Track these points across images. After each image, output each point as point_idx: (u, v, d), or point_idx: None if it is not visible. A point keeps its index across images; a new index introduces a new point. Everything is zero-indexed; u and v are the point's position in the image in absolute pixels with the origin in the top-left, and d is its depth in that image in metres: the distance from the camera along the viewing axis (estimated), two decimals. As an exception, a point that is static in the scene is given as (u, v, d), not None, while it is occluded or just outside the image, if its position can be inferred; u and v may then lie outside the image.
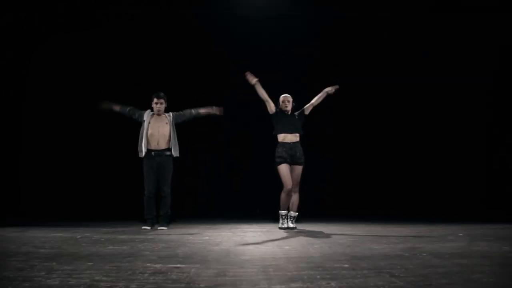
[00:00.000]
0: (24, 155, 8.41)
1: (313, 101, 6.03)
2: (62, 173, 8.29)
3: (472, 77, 8.41)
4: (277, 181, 5.81)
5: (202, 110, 6.08)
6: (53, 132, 8.31)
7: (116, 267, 2.80)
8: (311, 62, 8.66)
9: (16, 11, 7.97)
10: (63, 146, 8.34)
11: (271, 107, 5.88)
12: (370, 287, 2.26)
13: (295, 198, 5.80)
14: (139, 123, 5.90)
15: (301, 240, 4.45)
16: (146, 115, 5.88)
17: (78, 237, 4.62)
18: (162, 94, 5.87)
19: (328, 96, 6.10)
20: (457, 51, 8.45)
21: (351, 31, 8.65)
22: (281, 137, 5.82)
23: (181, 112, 5.98)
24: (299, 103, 5.98)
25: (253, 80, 5.85)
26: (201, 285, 2.32)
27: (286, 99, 5.91)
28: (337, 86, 6.10)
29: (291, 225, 5.78)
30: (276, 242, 4.22)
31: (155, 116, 5.88)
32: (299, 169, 5.80)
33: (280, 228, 5.79)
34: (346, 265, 2.84)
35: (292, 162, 5.76)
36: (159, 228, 5.77)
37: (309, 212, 6.99)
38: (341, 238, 4.54)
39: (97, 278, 2.47)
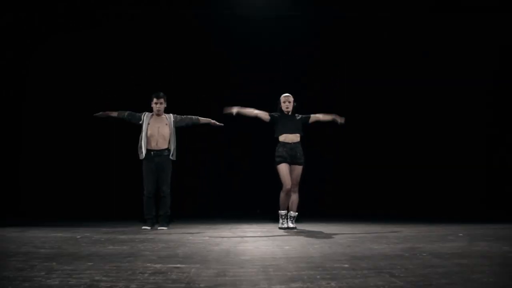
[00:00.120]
0: (24, 155, 8.41)
1: (321, 116, 6.01)
2: (62, 173, 8.29)
3: (472, 77, 8.41)
4: (277, 181, 5.80)
5: (203, 120, 6.06)
6: (53, 132, 8.32)
7: (116, 267, 2.80)
8: (311, 62, 8.67)
9: (16, 11, 7.97)
10: (63, 146, 8.35)
11: (264, 117, 5.88)
12: (370, 287, 2.26)
13: (294, 198, 5.80)
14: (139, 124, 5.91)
15: (301, 240, 4.45)
16: (145, 117, 5.88)
17: (78, 237, 4.62)
18: (161, 94, 5.87)
19: (333, 123, 6.05)
20: (457, 51, 8.45)
21: (351, 31, 8.65)
22: (282, 137, 5.81)
23: (183, 117, 5.97)
24: (299, 103, 5.97)
25: (233, 110, 5.83)
26: (201, 285, 2.32)
27: (287, 99, 5.90)
28: (344, 119, 6.06)
29: (291, 225, 5.77)
30: (276, 242, 4.22)
31: (154, 116, 5.88)
32: (299, 169, 5.80)
33: (280, 228, 5.78)
34: (346, 265, 2.84)
35: (292, 162, 5.76)
36: (159, 228, 5.77)
37: (309, 212, 6.99)
38: (341, 238, 4.54)
39: (97, 278, 2.47)
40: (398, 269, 2.70)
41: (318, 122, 6.04)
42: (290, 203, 5.80)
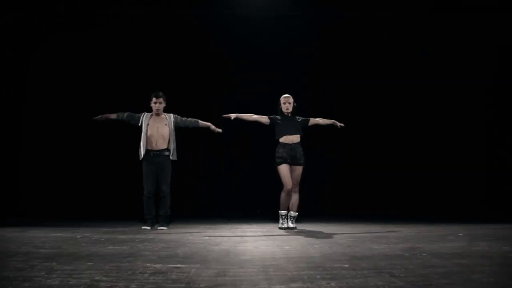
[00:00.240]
0: (24, 155, 8.41)
1: (320, 121, 6.04)
2: (62, 173, 8.29)
3: (472, 77, 8.41)
4: (277, 181, 5.81)
5: (202, 124, 6.04)
6: (53, 132, 8.31)
7: (116, 267, 2.80)
8: (311, 62, 8.66)
9: (16, 11, 7.97)
10: (63, 146, 8.34)
11: (264, 120, 5.90)
12: (370, 287, 2.26)
13: (295, 198, 5.80)
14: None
15: (301, 240, 4.45)
16: (144, 117, 5.88)
17: (78, 237, 4.62)
18: (161, 93, 5.87)
19: (333, 127, 6.08)
20: (457, 51, 8.45)
21: (351, 31, 8.65)
22: (283, 139, 5.81)
23: (183, 119, 5.96)
24: (299, 104, 5.97)
25: (232, 117, 5.85)
26: (201, 285, 2.32)
27: (287, 100, 5.89)
28: (343, 125, 6.07)
29: (291, 225, 5.78)
30: (276, 242, 4.22)
31: (154, 116, 5.88)
32: (299, 169, 5.80)
33: (280, 228, 5.79)
34: (346, 265, 2.84)
35: (292, 163, 5.76)
36: (159, 228, 5.77)
37: (309, 212, 6.99)
38: (341, 238, 4.54)
39: (97, 278, 2.47)
40: (398, 269, 2.70)
41: (317, 126, 6.05)
42: (290, 204, 5.80)
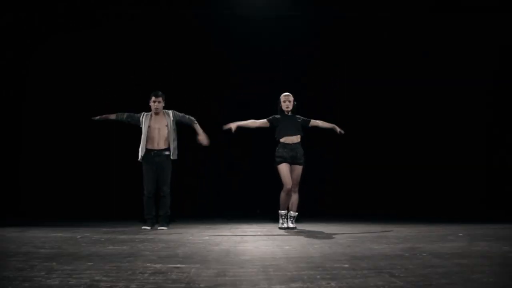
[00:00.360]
0: (24, 155, 8.40)
1: (320, 123, 6.03)
2: (62, 173, 8.28)
3: (472, 77, 8.40)
4: (277, 181, 5.81)
5: (196, 126, 6.00)
6: (53, 132, 8.31)
7: (116, 267, 2.80)
8: (311, 62, 8.66)
9: (16, 11, 7.97)
10: (63, 146, 8.34)
11: (264, 125, 5.89)
12: (370, 287, 2.26)
13: (295, 198, 5.80)
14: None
15: (301, 240, 4.45)
16: (144, 117, 5.88)
17: (78, 237, 4.62)
18: (160, 93, 5.88)
19: (332, 132, 6.07)
20: (457, 51, 8.44)
21: (351, 31, 8.64)
22: (283, 139, 5.81)
23: (181, 114, 5.96)
24: (299, 103, 5.97)
25: (231, 126, 5.84)
26: (201, 285, 2.32)
27: (287, 98, 5.89)
28: (343, 132, 6.06)
29: (291, 225, 5.78)
30: (276, 242, 4.22)
31: (153, 116, 5.88)
32: (299, 169, 5.80)
33: (280, 228, 5.79)
34: (346, 265, 2.84)
35: (292, 162, 5.76)
36: (159, 228, 5.77)
37: (309, 212, 6.99)
38: (341, 238, 4.54)
39: (97, 278, 2.47)
40: (398, 269, 2.70)
41: (317, 128, 6.04)
42: (290, 204, 5.80)
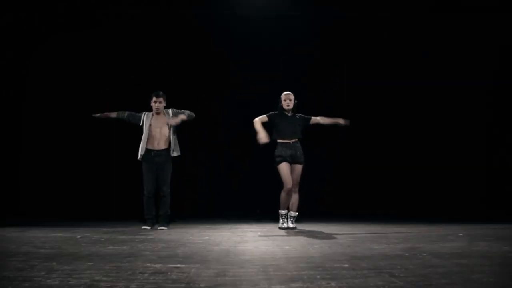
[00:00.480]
0: (24, 155, 8.40)
1: (321, 120, 6.00)
2: (62, 173, 8.28)
3: (472, 77, 8.40)
4: (277, 181, 5.80)
5: (182, 116, 5.94)
6: (53, 132, 8.31)
7: (116, 267, 2.80)
8: (311, 62, 8.66)
9: (16, 11, 7.96)
10: (63, 146, 8.33)
11: (264, 118, 5.84)
12: (370, 287, 2.26)
13: (295, 198, 5.80)
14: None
15: (301, 240, 4.46)
16: (145, 117, 5.88)
17: (78, 237, 4.62)
18: (161, 93, 5.88)
19: (336, 126, 6.05)
20: (457, 51, 8.44)
21: (351, 31, 8.64)
22: (281, 139, 5.81)
23: (179, 111, 5.96)
24: (299, 103, 5.97)
25: (265, 138, 5.68)
26: (201, 285, 2.32)
27: (288, 97, 5.89)
28: (348, 122, 6.04)
29: (291, 225, 5.78)
30: (276, 242, 4.22)
31: (154, 116, 5.88)
32: (299, 168, 5.80)
33: (280, 228, 5.79)
34: (346, 265, 2.84)
35: (292, 161, 5.76)
36: (159, 228, 5.77)
37: (309, 212, 6.98)
38: (341, 238, 4.54)
39: (97, 278, 2.47)
40: (398, 269, 2.70)
41: (318, 125, 6.03)
42: (290, 204, 5.80)
